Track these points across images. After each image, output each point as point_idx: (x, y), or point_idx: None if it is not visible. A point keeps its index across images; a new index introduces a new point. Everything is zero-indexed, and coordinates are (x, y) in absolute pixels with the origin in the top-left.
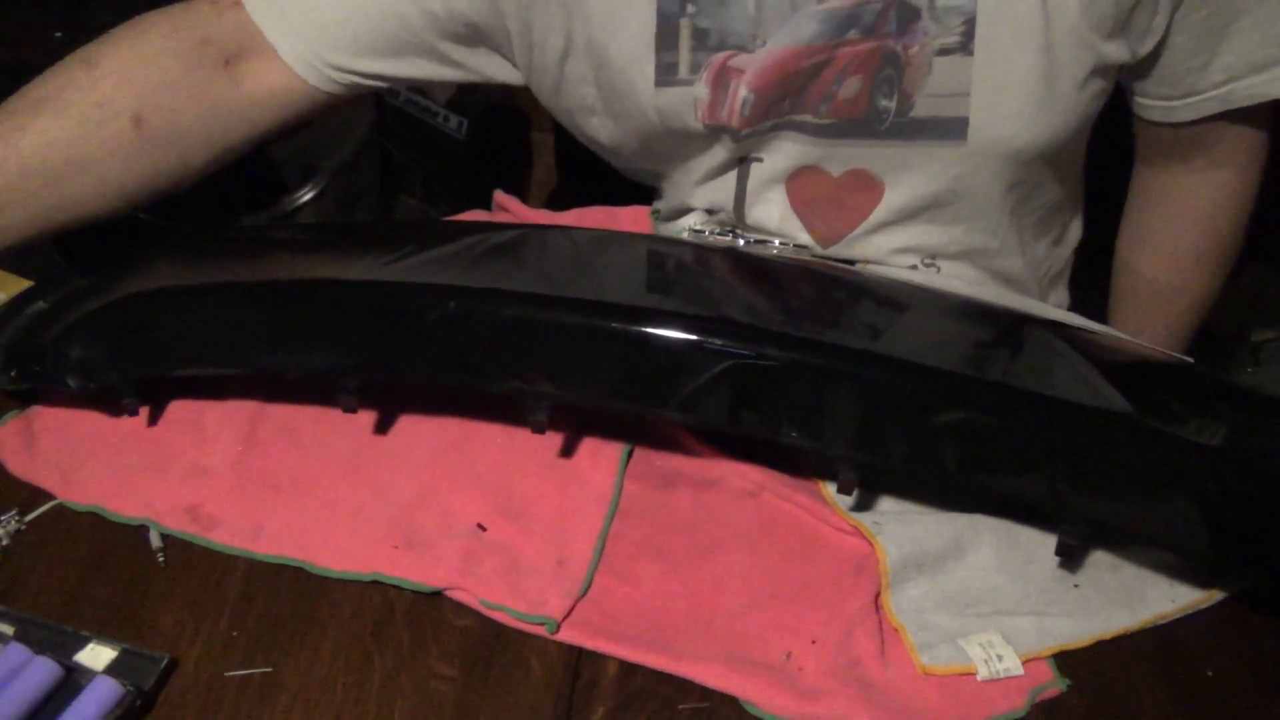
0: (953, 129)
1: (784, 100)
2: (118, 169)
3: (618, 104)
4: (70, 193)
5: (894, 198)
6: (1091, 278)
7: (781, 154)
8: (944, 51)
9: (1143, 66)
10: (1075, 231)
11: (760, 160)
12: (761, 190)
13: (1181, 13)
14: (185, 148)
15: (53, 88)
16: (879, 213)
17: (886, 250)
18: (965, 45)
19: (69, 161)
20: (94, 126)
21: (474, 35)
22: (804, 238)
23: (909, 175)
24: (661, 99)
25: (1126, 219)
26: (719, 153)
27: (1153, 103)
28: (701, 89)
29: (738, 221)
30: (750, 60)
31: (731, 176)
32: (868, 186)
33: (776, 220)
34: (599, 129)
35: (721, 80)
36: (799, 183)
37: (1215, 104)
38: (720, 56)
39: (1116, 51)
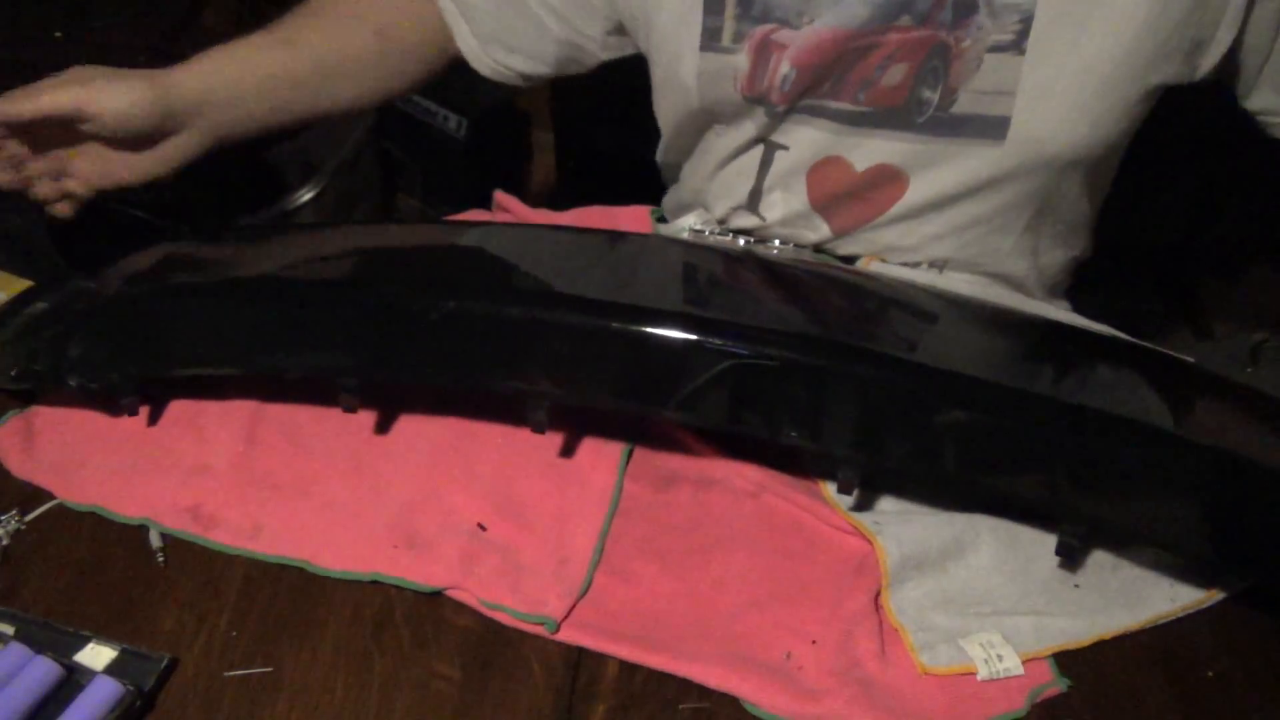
0: (992, 128)
1: (825, 82)
2: (360, 75)
3: (664, 70)
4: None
5: (916, 194)
6: (1092, 282)
7: (808, 141)
8: (996, 49)
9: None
10: (1088, 248)
11: (786, 149)
12: (782, 180)
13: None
14: (396, 69)
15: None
16: (899, 207)
17: (899, 247)
18: (1018, 44)
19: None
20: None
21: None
22: (813, 232)
23: (936, 172)
24: (703, 64)
25: None
26: (748, 130)
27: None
28: (742, 59)
29: (750, 210)
30: (794, 36)
31: (752, 163)
32: (891, 181)
33: (789, 213)
34: (659, 102)
35: (763, 53)
36: (820, 175)
37: None
38: (764, 29)
39: (1175, 73)
